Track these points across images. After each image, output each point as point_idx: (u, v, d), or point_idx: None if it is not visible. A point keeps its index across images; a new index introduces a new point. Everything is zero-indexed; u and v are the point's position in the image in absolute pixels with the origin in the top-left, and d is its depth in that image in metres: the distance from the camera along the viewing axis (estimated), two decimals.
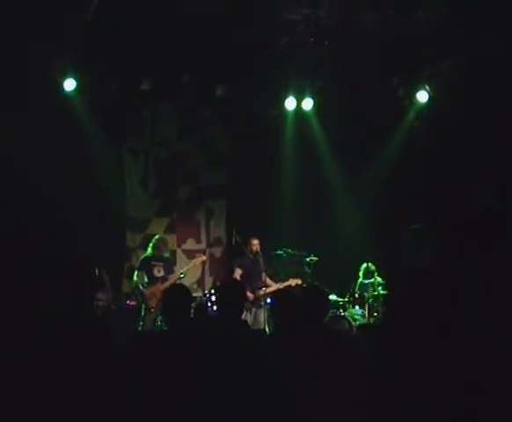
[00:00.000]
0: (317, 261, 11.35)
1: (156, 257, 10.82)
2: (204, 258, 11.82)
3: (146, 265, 10.78)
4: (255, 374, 4.52)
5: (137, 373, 4.63)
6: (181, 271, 11.12)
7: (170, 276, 10.77)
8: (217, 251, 13.32)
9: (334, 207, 12.94)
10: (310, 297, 5.24)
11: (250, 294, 10.56)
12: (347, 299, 11.39)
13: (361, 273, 11.69)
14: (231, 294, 5.13)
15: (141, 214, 12.85)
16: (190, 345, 4.72)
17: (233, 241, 11.24)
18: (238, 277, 10.71)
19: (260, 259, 10.72)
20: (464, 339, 4.11)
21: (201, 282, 12.89)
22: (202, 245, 13.22)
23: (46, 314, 4.83)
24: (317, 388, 4.51)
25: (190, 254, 12.71)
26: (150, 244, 10.95)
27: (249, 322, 10.46)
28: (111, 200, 12.24)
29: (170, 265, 11.20)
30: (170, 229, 12.91)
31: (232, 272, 11.11)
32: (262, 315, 10.46)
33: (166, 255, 11.18)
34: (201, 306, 10.96)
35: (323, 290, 5.67)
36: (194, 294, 10.64)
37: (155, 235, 11.38)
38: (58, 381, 4.33)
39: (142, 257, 11.09)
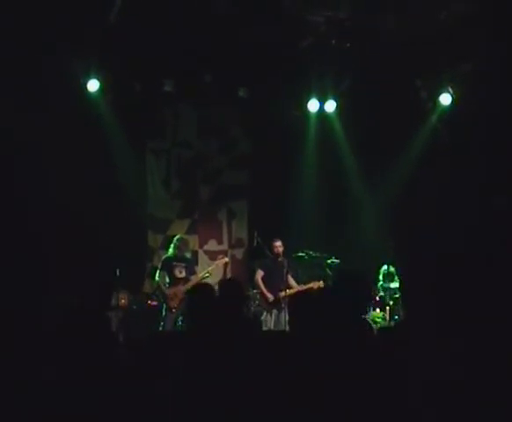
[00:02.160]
0: (338, 263, 11.34)
1: (177, 257, 10.81)
2: (227, 259, 11.80)
3: (167, 266, 10.77)
4: (271, 374, 4.51)
5: (156, 373, 4.64)
6: (204, 272, 11.10)
7: (192, 277, 10.76)
8: (239, 253, 13.33)
9: (356, 210, 12.90)
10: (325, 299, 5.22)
11: (271, 296, 10.57)
12: None
13: (381, 276, 11.65)
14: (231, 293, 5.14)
15: (162, 214, 12.88)
16: (209, 347, 4.72)
17: (255, 242, 11.25)
18: (260, 279, 10.72)
19: (284, 261, 10.72)
20: (483, 339, 4.09)
21: None
22: (224, 246, 13.23)
23: (59, 313, 4.83)
24: (335, 389, 4.49)
25: (212, 255, 12.76)
26: (171, 245, 10.92)
27: (271, 323, 10.48)
28: (133, 200, 12.28)
29: (192, 265, 11.18)
30: (191, 230, 12.92)
31: (253, 273, 11.11)
32: (284, 316, 10.43)
33: (188, 256, 11.13)
34: None
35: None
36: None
37: (176, 235, 11.39)
38: (68, 380, 4.31)
39: (164, 257, 11.07)
